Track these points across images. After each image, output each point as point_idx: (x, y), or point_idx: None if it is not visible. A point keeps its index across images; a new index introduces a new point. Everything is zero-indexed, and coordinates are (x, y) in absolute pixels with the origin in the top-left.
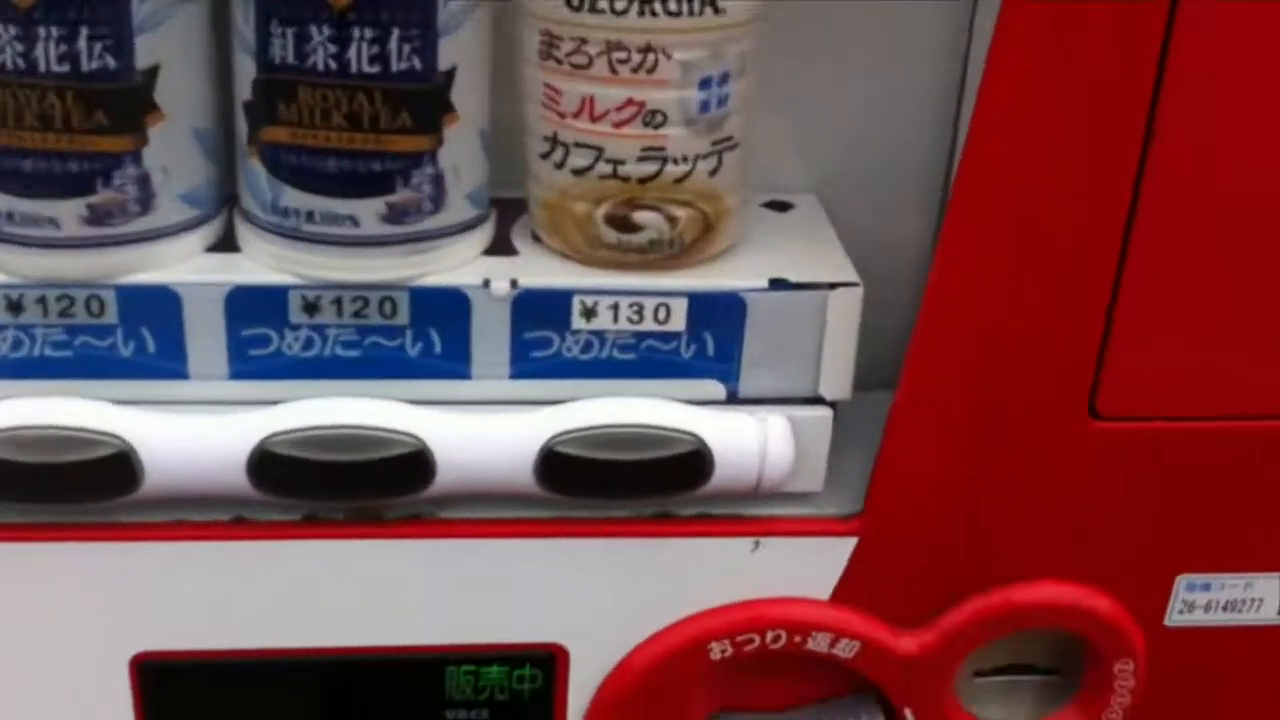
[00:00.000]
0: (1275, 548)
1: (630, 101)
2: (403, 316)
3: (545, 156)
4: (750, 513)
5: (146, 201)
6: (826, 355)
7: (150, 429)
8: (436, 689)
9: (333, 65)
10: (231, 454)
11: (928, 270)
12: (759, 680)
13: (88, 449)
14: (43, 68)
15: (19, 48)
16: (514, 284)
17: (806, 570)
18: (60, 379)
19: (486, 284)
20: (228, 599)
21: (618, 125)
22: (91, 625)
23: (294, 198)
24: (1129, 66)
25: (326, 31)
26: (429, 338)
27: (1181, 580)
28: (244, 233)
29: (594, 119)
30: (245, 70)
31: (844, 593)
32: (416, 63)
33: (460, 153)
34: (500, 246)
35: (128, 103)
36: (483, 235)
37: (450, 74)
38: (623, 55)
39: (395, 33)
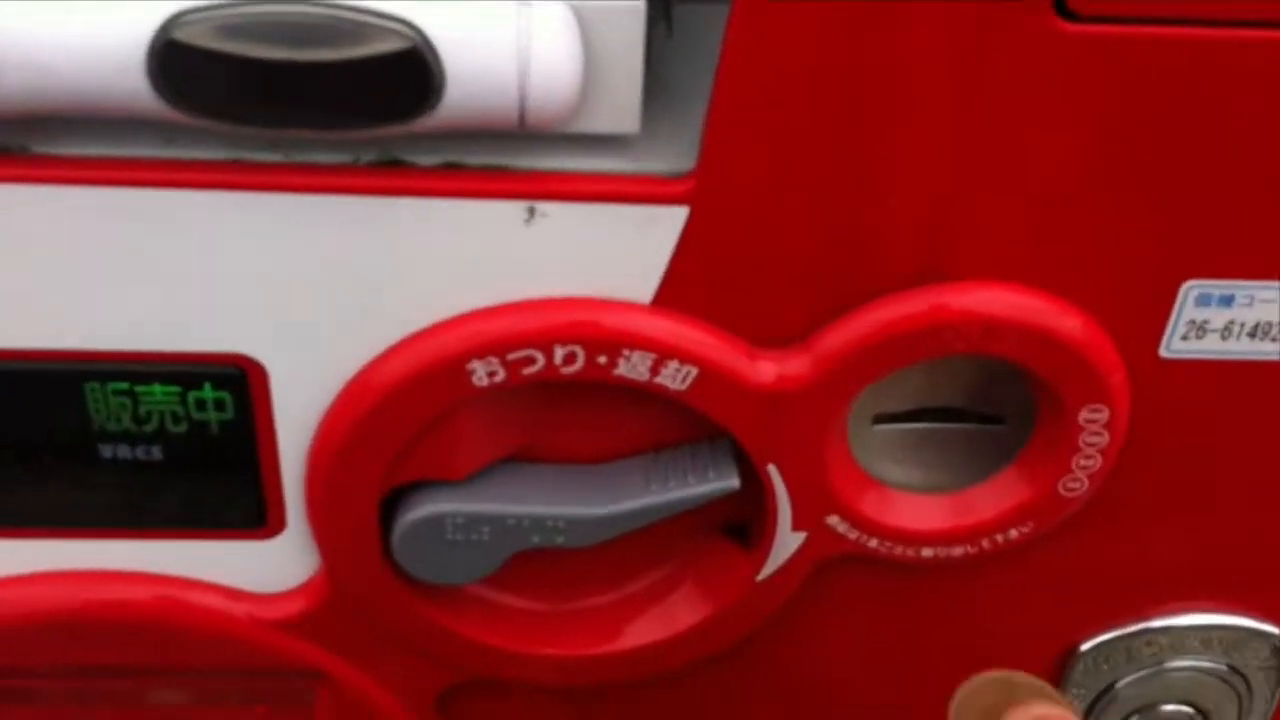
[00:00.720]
0: None
1: None
2: None
3: None
4: (524, 164)
5: None
6: None
7: None
8: (78, 415)
9: None
10: None
11: None
12: (566, 420)
13: None
14: None
15: None
16: None
17: (613, 256)
18: None
19: None
20: None
21: None
22: None
23: None
24: None
25: None
26: None
27: (1189, 290)
28: None
29: None
30: None
31: (671, 292)
32: None
33: None
34: None
35: None
36: None
37: None
38: None
39: None
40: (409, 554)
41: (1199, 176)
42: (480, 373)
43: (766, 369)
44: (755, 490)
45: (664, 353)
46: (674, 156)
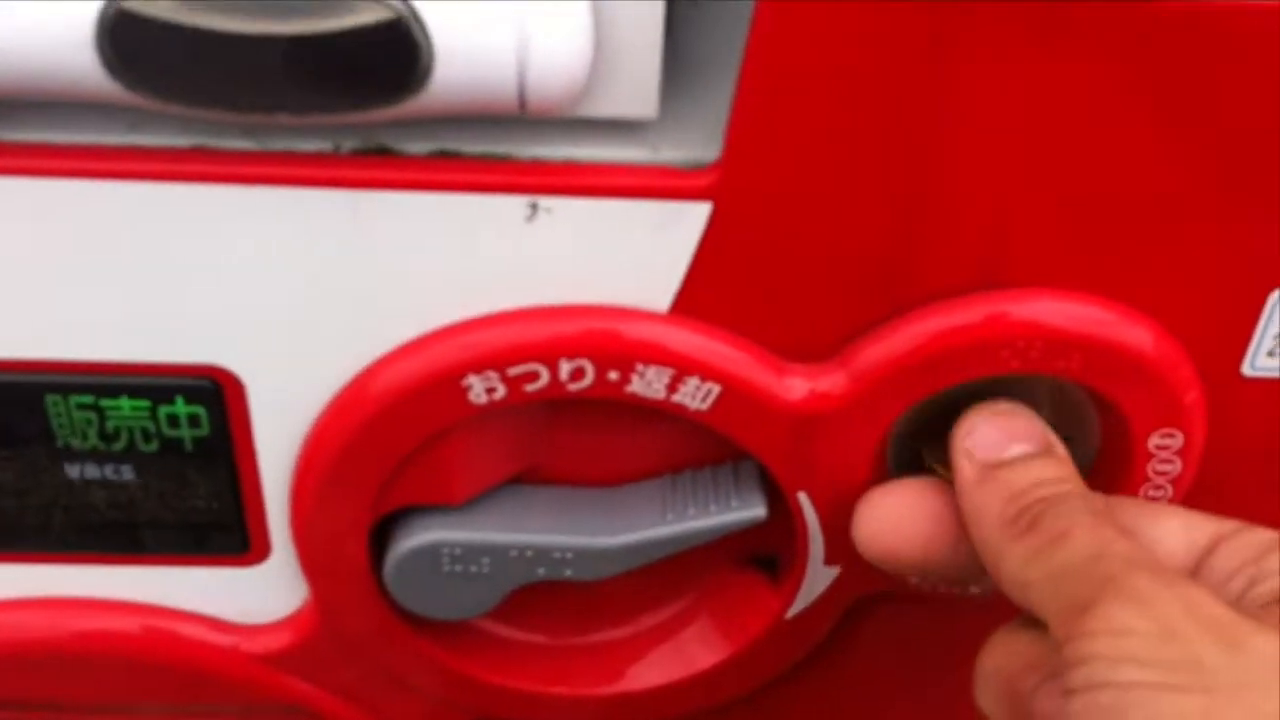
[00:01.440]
0: None
1: None
2: None
3: None
4: (526, 153)
5: None
6: None
7: None
8: (41, 431)
9: None
10: None
11: None
12: (575, 440)
13: None
14: None
15: None
16: None
17: (626, 258)
18: None
19: None
20: None
21: None
22: None
23: None
24: None
25: None
26: None
27: (1278, 300)
28: None
29: None
30: None
31: (691, 299)
32: None
33: None
34: None
35: None
36: None
37: None
38: None
39: None
40: (403, 586)
41: None
42: (478, 389)
43: (797, 386)
44: (784, 520)
45: (683, 368)
46: (696, 145)
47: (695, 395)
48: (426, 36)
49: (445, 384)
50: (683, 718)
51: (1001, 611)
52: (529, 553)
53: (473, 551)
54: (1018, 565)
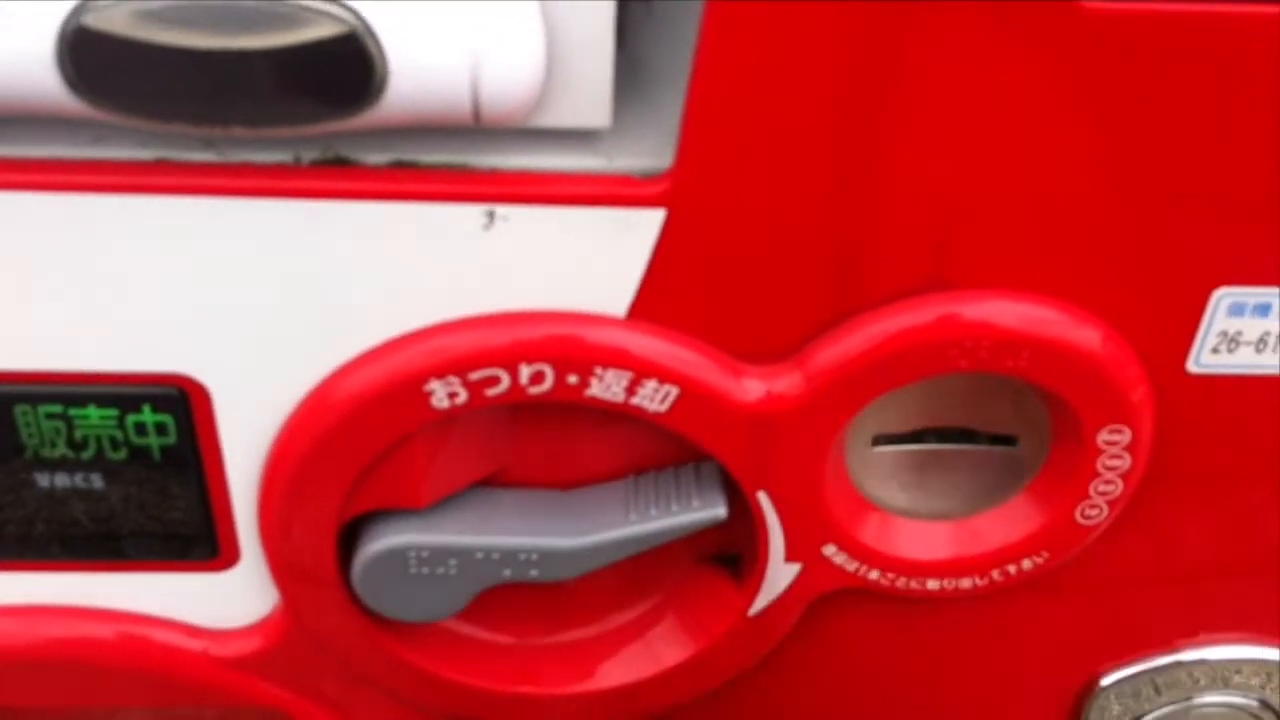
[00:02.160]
0: None
1: None
2: None
3: None
4: (483, 163)
5: None
6: None
7: None
8: (10, 440)
9: None
10: None
11: None
12: (538, 443)
13: None
14: None
15: None
16: None
17: (582, 264)
18: None
19: None
20: None
21: None
22: None
23: None
24: None
25: None
26: None
27: (1221, 298)
28: None
29: None
30: None
31: (647, 303)
32: None
33: None
34: None
35: None
36: None
37: None
38: None
39: None
40: (370, 589)
41: (1231, 172)
42: (440, 394)
43: (754, 387)
44: (745, 518)
45: (641, 371)
46: (649, 153)
47: (654, 398)
48: (380, 49)
49: (407, 389)
50: (651, 715)
51: (959, 607)
52: (495, 554)
53: (440, 554)
54: None
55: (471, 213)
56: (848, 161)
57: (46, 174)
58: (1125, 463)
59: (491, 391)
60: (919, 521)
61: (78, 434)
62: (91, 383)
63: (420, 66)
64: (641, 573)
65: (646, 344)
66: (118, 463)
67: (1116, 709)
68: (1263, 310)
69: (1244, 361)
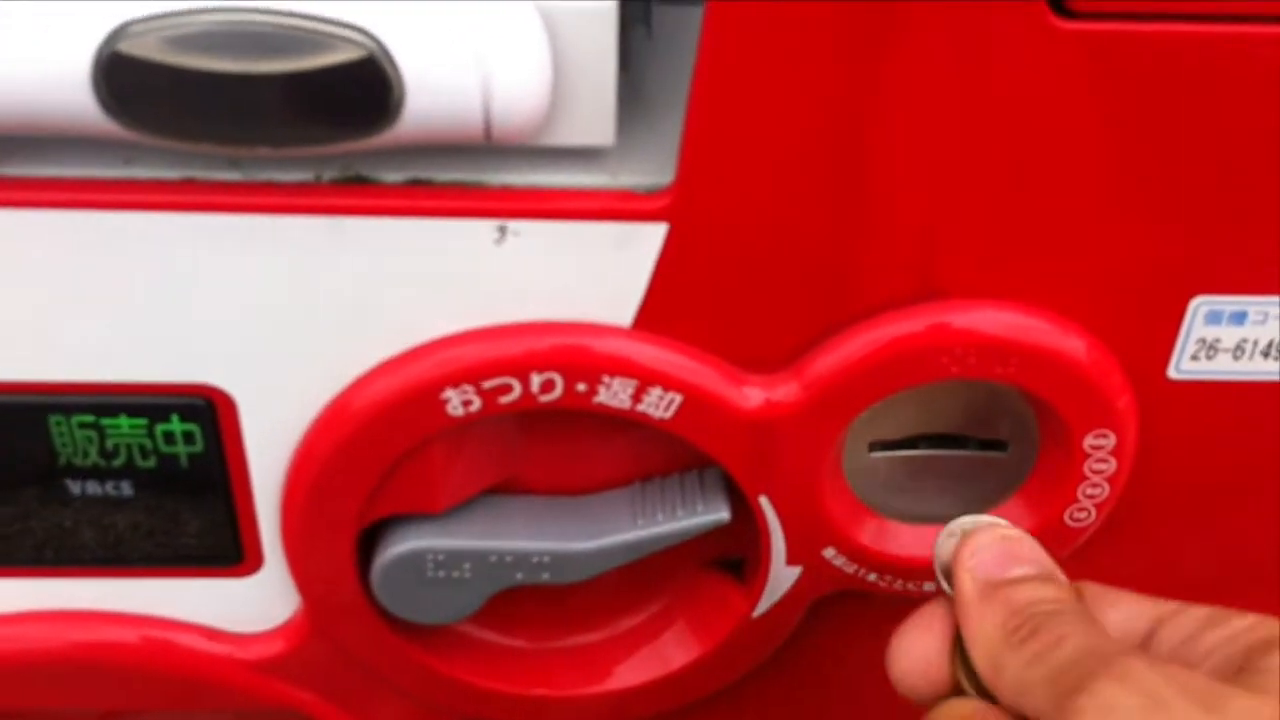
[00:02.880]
0: None
1: None
2: None
3: None
4: (494, 180)
5: None
6: None
7: None
8: (44, 449)
9: None
10: None
11: None
12: (550, 450)
13: None
14: None
15: None
16: None
17: (589, 276)
18: None
19: None
20: None
21: None
22: None
23: None
24: None
25: None
26: None
27: (1198, 307)
28: None
29: None
30: None
31: (651, 314)
32: None
33: None
34: None
35: None
36: None
37: None
38: None
39: None
40: (388, 592)
41: (1207, 185)
42: (455, 402)
43: (754, 395)
44: (748, 523)
45: (646, 379)
46: (652, 169)
47: (659, 405)
48: (397, 73)
49: (424, 398)
50: (660, 715)
51: None
52: (508, 558)
53: (455, 558)
54: (1018, 671)
55: (484, 228)
56: (841, 177)
57: (79, 193)
58: (1111, 467)
59: (504, 399)
60: (915, 525)
61: (109, 443)
62: (122, 393)
63: (435, 88)
64: (649, 578)
65: (651, 353)
66: (146, 470)
67: None
68: (1239, 318)
69: (1222, 368)
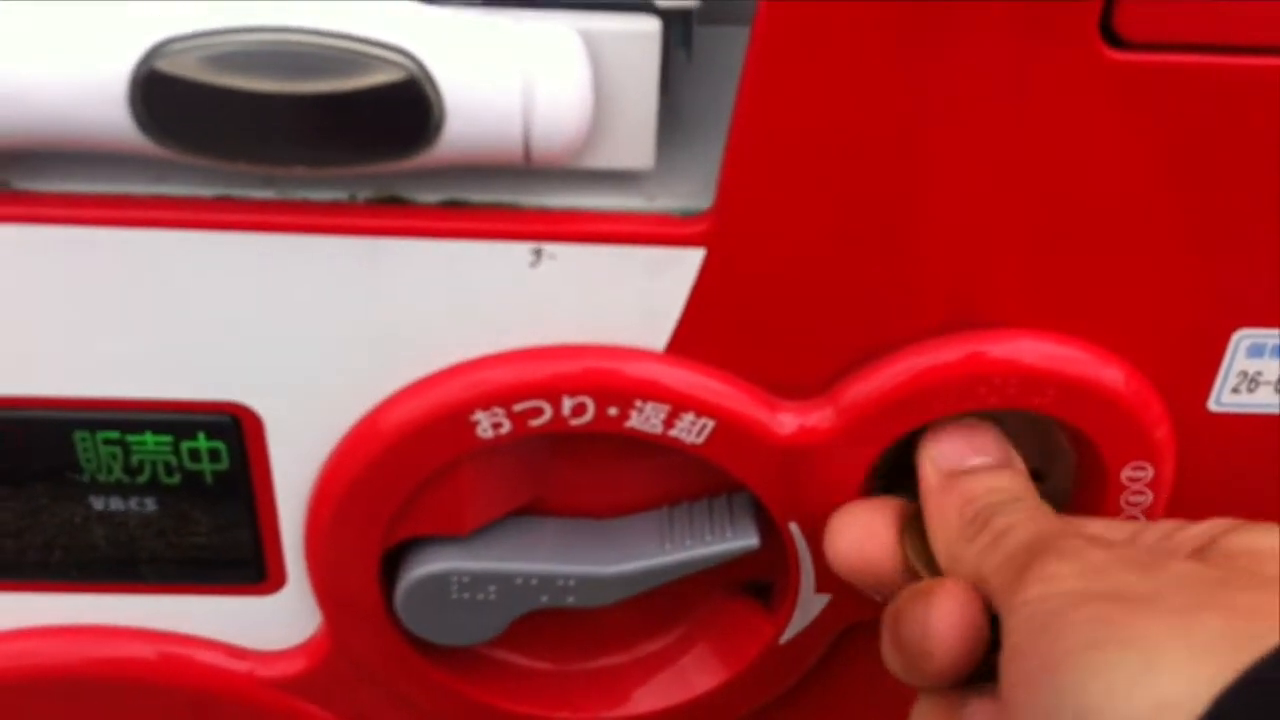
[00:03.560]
0: None
1: None
2: None
3: None
4: (530, 202)
5: None
6: None
7: None
8: (68, 465)
9: None
10: None
11: None
12: (577, 473)
13: None
14: None
15: None
16: None
17: (624, 300)
18: None
19: None
20: None
21: None
22: None
23: None
24: None
25: None
26: None
27: (1241, 340)
28: None
29: None
30: None
31: (686, 339)
32: None
33: None
34: None
35: None
36: None
37: None
38: None
39: None
40: (412, 613)
41: (1251, 217)
42: (485, 424)
43: (787, 421)
44: (777, 549)
45: (679, 404)
46: (690, 194)
47: (691, 430)
48: (438, 94)
49: (454, 419)
50: None
51: None
52: (533, 581)
53: (480, 580)
54: (973, 563)
55: (519, 250)
56: (882, 204)
57: (112, 209)
58: (1148, 499)
59: (535, 422)
60: None
61: (134, 459)
62: (149, 410)
63: (475, 110)
64: (675, 601)
65: (684, 378)
66: (171, 487)
67: None
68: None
69: (1264, 401)
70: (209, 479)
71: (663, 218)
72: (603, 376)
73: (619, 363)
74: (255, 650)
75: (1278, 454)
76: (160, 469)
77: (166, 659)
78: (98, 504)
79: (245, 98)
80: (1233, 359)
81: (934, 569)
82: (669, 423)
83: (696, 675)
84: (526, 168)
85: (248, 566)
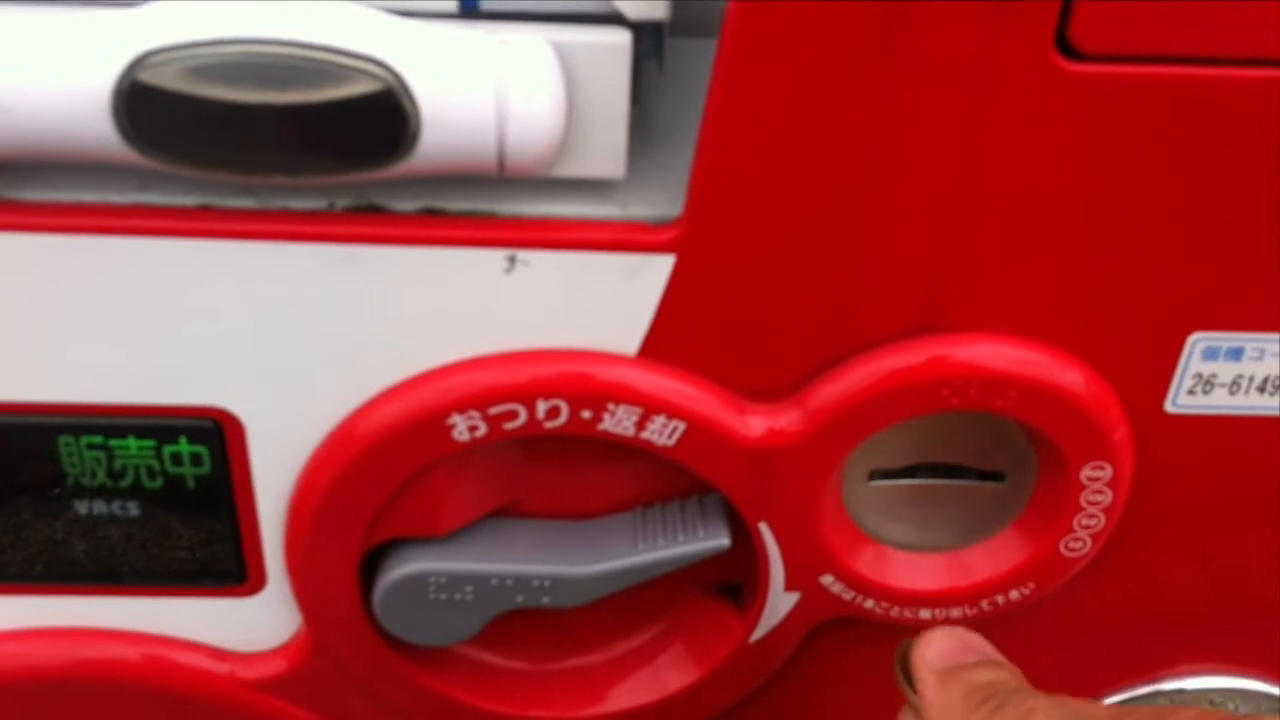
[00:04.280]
0: None
1: None
2: None
3: None
4: (505, 210)
5: None
6: None
7: None
8: (52, 469)
9: None
10: None
11: None
12: (552, 475)
13: None
14: None
15: None
16: None
17: (597, 306)
18: None
19: None
20: None
21: None
22: None
23: None
24: None
25: None
26: None
27: (1196, 342)
28: None
29: None
30: None
31: (657, 343)
32: None
33: None
34: None
35: None
36: None
37: None
38: None
39: None
40: (391, 614)
41: (1206, 224)
42: (461, 427)
43: (756, 423)
44: (747, 549)
45: (650, 407)
46: (661, 202)
47: (662, 432)
48: (414, 105)
49: (431, 423)
50: None
51: None
52: (509, 581)
53: (457, 580)
54: None
55: (494, 257)
56: (847, 211)
57: (96, 218)
58: (1107, 498)
59: (510, 425)
60: (912, 553)
61: (117, 463)
62: (132, 415)
63: (450, 121)
64: (648, 601)
65: (656, 382)
66: (153, 491)
67: None
68: (1235, 354)
69: (1219, 403)
70: (191, 483)
71: (634, 225)
72: (576, 380)
73: (592, 367)
74: (236, 652)
75: (1233, 453)
76: (143, 473)
77: (148, 660)
78: (81, 508)
79: (226, 108)
80: (1188, 362)
81: None
82: (641, 425)
83: (670, 674)
84: (501, 177)
85: (228, 568)
